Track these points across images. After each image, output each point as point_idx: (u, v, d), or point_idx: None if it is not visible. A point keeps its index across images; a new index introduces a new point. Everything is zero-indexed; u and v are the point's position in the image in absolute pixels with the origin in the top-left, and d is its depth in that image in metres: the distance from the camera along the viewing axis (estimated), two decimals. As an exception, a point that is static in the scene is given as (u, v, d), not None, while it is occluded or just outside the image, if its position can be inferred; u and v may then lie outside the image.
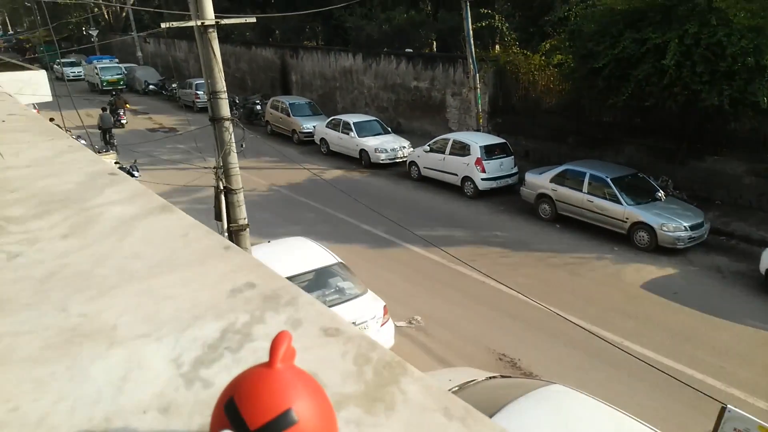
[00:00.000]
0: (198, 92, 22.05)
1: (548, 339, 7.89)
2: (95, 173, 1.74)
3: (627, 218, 10.56)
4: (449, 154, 13.55)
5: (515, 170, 13.31)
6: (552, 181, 11.66)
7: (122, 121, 20.51)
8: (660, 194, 10.84)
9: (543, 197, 11.87)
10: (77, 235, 1.28)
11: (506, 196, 13.10)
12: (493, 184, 13.07)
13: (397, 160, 15.39)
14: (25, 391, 0.77)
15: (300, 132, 17.79)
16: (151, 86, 28.03)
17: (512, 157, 13.39)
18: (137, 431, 0.70)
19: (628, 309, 8.71)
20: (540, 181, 11.92)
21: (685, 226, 10.10)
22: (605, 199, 10.81)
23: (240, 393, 0.58)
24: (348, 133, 15.96)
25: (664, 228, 10.13)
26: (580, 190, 11.17)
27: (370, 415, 0.72)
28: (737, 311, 8.48)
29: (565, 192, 11.42)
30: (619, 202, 10.64)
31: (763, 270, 9.00)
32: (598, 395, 5.00)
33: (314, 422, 0.58)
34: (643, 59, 10.61)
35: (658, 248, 10.20)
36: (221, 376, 0.80)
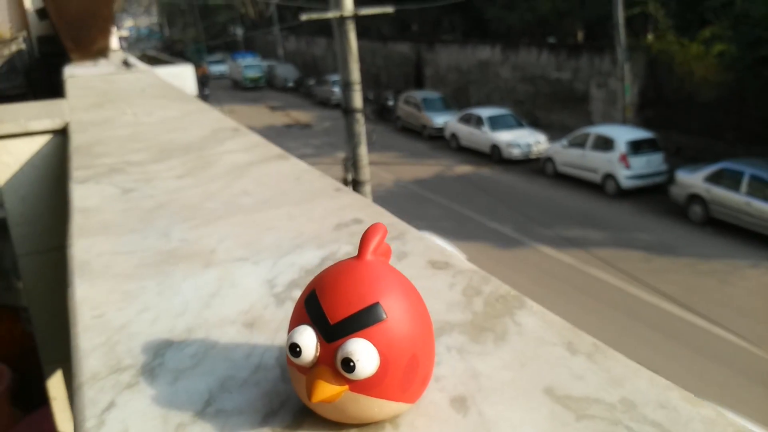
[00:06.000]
0: (333, 89, 22.73)
1: (690, 352, 7.24)
2: (219, 129, 1.77)
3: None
4: (590, 149, 12.86)
5: (664, 168, 12.35)
6: (706, 180, 10.70)
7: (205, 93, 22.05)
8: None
9: (694, 198, 10.93)
10: (192, 176, 1.27)
11: (652, 195, 12.20)
12: (639, 183, 12.22)
13: (531, 157, 14.87)
14: (112, 301, 0.74)
15: (430, 127, 17.74)
16: (289, 83, 29.23)
17: (661, 153, 12.45)
18: (218, 342, 0.64)
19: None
20: (692, 180, 10.98)
21: None
22: (766, 201, 9.75)
23: (322, 285, 0.49)
24: (480, 128, 15.67)
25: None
26: (738, 191, 10.15)
27: (476, 343, 0.61)
28: None
29: (720, 193, 10.44)
30: (782, 205, 9.56)
31: None
32: (741, 414, 4.48)
33: (405, 323, 0.48)
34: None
35: (827, 259, 9.04)
36: (313, 297, 0.72)
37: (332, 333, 0.46)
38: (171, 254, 0.87)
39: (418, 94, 19.17)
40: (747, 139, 12.44)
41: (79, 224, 1.01)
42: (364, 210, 1.02)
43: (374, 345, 0.46)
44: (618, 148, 12.31)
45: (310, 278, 0.77)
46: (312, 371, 0.47)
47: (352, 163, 8.16)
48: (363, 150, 8.17)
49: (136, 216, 1.03)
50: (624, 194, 12.36)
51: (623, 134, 12.66)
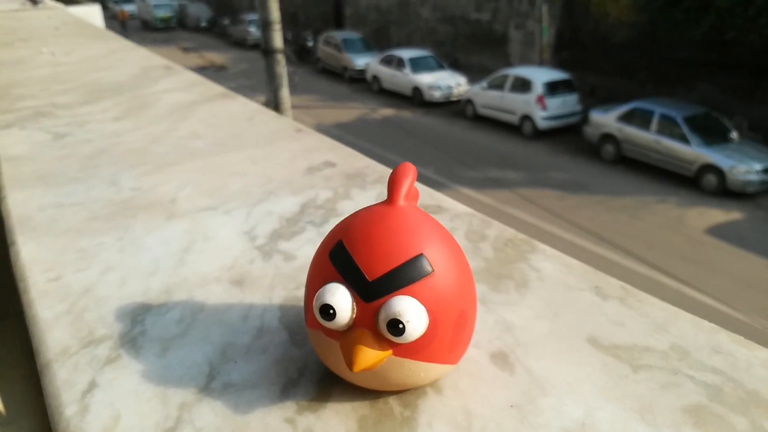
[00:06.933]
0: (249, 29, 21.81)
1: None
2: (150, 67, 1.61)
3: (696, 160, 10.01)
4: (509, 91, 13.01)
5: (579, 108, 12.69)
6: (618, 120, 11.10)
7: None
8: (733, 135, 10.21)
9: (607, 137, 11.34)
10: (130, 118, 1.14)
11: (567, 136, 12.56)
12: (554, 123, 12.53)
13: (452, 99, 14.91)
14: (68, 261, 0.64)
15: (351, 69, 17.41)
16: (202, 23, 27.80)
17: (576, 94, 12.76)
18: (205, 304, 0.56)
19: (690, 254, 8.33)
20: (605, 120, 11.36)
21: (757, 169, 9.49)
22: (674, 139, 10.25)
23: (352, 236, 0.42)
24: (401, 70, 15.50)
25: (734, 171, 9.55)
26: (648, 130, 10.61)
27: (498, 292, 0.56)
28: (807, 258, 7.99)
29: (631, 132, 10.87)
30: (688, 143, 10.07)
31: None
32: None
33: (452, 276, 0.41)
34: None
35: (726, 192, 9.65)
36: (306, 249, 0.65)
37: (372, 291, 0.39)
38: (125, 205, 0.77)
39: (338, 35, 18.65)
40: (657, 79, 12.94)
41: (10, 175, 0.87)
42: (334, 152, 0.94)
43: (421, 303, 0.39)
44: (535, 90, 12.51)
45: (293, 228, 0.69)
46: (348, 336, 0.40)
47: (273, 107, 7.88)
48: (285, 92, 7.88)
49: (76, 163, 0.90)
50: (540, 135, 12.66)
51: (540, 76, 12.85)
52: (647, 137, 10.60)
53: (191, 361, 0.48)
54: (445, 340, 0.41)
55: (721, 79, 11.94)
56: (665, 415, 0.41)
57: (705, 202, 9.63)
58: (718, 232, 8.85)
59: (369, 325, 0.40)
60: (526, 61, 15.55)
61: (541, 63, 14.70)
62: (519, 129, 12.96)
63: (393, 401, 0.43)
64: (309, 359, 0.48)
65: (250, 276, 0.60)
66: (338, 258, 0.41)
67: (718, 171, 9.61)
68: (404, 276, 0.40)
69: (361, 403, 0.43)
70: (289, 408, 0.43)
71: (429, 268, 0.40)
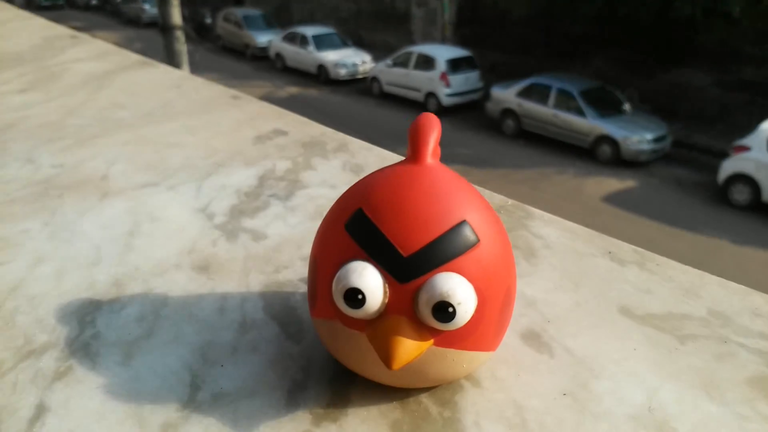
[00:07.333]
0: (144, 6, 20.66)
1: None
2: (53, 36, 1.43)
3: (591, 131, 10.50)
4: (413, 69, 13.07)
5: (480, 85, 12.96)
6: (518, 95, 11.42)
7: None
8: (626, 107, 10.78)
9: (507, 112, 11.65)
10: (38, 90, 0.99)
11: (470, 112, 12.79)
12: (457, 100, 12.73)
13: (358, 77, 14.81)
14: (-15, 252, 0.52)
15: (254, 46, 16.89)
16: (93, 1, 26.08)
17: (478, 70, 13.02)
18: (167, 296, 0.46)
19: (587, 221, 8.66)
20: (505, 95, 11.65)
21: (648, 139, 10.08)
22: (570, 112, 10.69)
23: (375, 202, 0.34)
24: (305, 47, 15.20)
25: (628, 141, 10.10)
26: (546, 104, 11.00)
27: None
28: (693, 221, 8.57)
29: (530, 106, 11.22)
30: (584, 116, 10.54)
31: (720, 180, 9.06)
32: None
33: (497, 246, 0.35)
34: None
35: (620, 161, 10.18)
36: (276, 226, 0.56)
37: (408, 269, 0.32)
38: (48, 184, 0.65)
39: (238, 11, 17.98)
40: (554, 54, 13.41)
41: None
42: (282, 119, 0.85)
43: (468, 280, 0.33)
44: (438, 67, 12.65)
45: (255, 203, 0.61)
46: (380, 325, 0.32)
47: (174, 86, 7.48)
48: (185, 71, 7.50)
49: (-25, 138, 0.76)
50: (445, 111, 12.81)
51: (443, 53, 13.01)
52: (545, 111, 10.98)
53: (165, 368, 0.39)
54: (492, 323, 0.34)
55: (614, 53, 12.55)
56: (732, 390, 0.37)
57: (601, 171, 10.12)
58: (614, 199, 9.32)
59: (405, 310, 0.32)
60: (428, 38, 15.66)
61: (443, 40, 14.87)
62: (424, 106, 13.07)
63: (426, 400, 0.36)
64: (312, 356, 0.40)
65: (216, 260, 0.51)
66: (360, 230, 0.34)
67: (612, 142, 10.10)
68: (447, 249, 0.33)
69: (389, 405, 0.36)
70: (302, 419, 0.35)
71: (474, 238, 0.33)
